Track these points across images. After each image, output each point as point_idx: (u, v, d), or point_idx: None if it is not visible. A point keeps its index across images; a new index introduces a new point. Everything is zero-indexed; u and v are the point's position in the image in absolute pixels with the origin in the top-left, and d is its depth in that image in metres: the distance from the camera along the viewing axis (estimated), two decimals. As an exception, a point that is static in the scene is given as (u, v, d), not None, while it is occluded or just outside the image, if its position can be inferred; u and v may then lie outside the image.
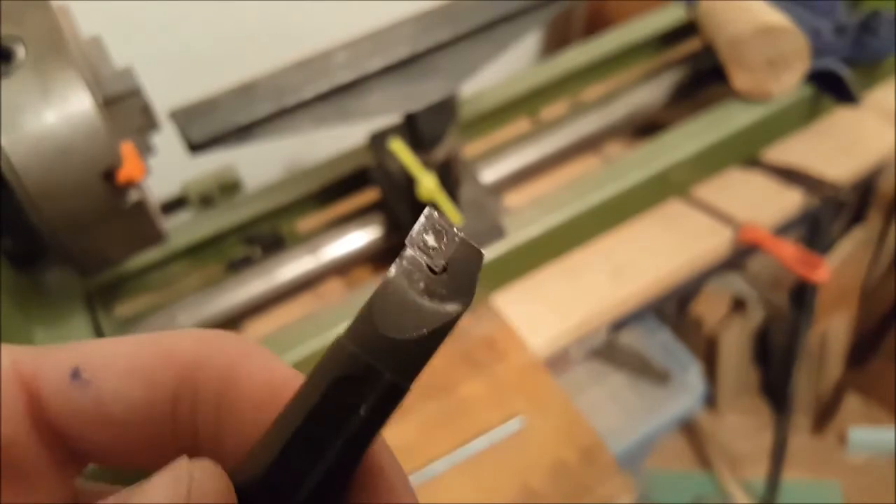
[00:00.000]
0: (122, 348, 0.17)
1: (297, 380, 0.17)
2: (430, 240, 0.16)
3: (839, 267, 1.37)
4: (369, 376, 0.15)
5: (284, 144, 1.00)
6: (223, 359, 0.17)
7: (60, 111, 0.49)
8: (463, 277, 0.16)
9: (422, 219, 0.16)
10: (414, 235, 0.16)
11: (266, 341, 0.72)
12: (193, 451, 0.16)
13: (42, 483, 0.17)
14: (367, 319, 0.16)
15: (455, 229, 0.16)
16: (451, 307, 0.16)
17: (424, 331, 0.16)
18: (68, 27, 0.53)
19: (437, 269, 0.16)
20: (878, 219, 1.36)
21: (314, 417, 0.15)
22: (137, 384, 0.16)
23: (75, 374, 0.16)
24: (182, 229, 0.81)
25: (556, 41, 1.39)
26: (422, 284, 0.16)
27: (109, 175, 0.50)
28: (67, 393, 0.16)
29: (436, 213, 0.16)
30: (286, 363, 0.18)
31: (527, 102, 0.92)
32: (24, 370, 0.16)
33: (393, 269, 0.16)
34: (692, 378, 1.22)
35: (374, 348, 0.15)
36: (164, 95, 0.66)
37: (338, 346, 0.16)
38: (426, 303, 0.16)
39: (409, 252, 0.16)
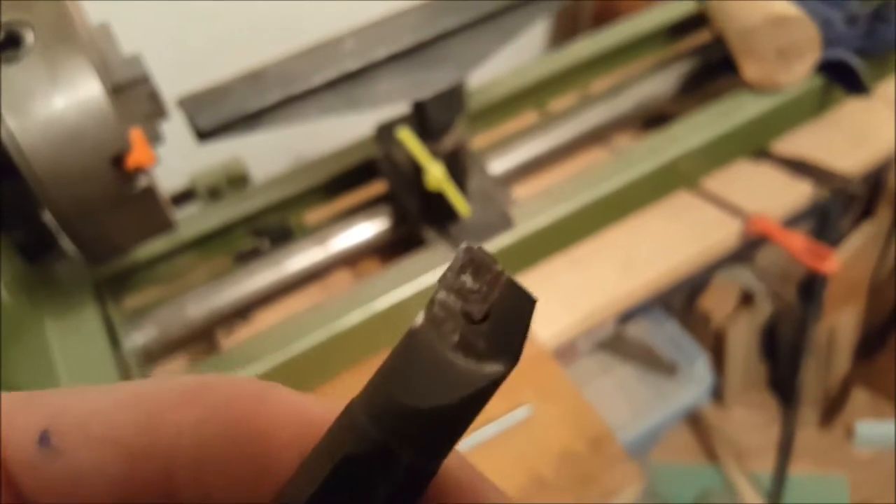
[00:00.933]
0: (98, 405, 0.14)
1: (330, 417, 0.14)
2: (469, 281, 0.13)
3: (848, 261, 1.37)
4: (384, 457, 0.13)
5: (292, 137, 1.00)
6: (243, 400, 0.14)
7: (69, 96, 0.49)
8: (508, 328, 0.13)
9: (458, 254, 0.13)
10: (448, 275, 0.13)
11: (273, 331, 0.72)
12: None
13: None
14: (383, 383, 0.13)
15: (499, 267, 0.13)
16: (492, 368, 0.13)
17: (457, 398, 0.13)
18: (77, 14, 0.53)
19: (476, 318, 0.13)
20: (887, 213, 1.36)
21: (322, 497, 0.13)
22: (116, 456, 0.14)
23: (43, 440, 0.14)
24: (190, 221, 0.81)
25: (565, 33, 1.38)
26: (456, 337, 0.13)
27: (118, 160, 0.50)
28: (36, 463, 0.14)
29: (475, 248, 0.13)
30: (313, 399, 0.15)
31: (535, 94, 0.92)
32: None
33: (421, 317, 0.13)
34: (699, 370, 1.22)
35: (390, 421, 0.13)
36: (172, 85, 0.66)
37: (349, 413, 0.13)
38: (460, 361, 0.13)
39: (441, 295, 0.13)
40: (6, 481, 0.14)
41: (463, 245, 0.13)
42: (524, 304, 0.13)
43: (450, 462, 0.14)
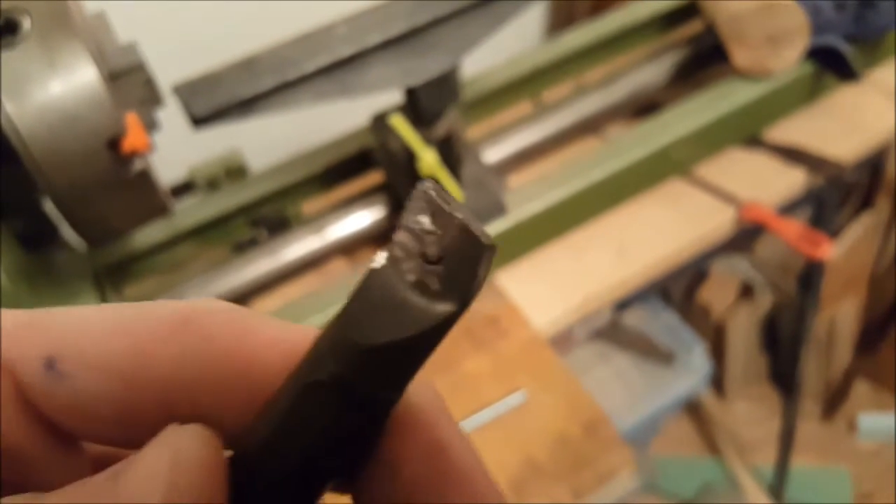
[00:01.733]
0: (95, 332, 0.15)
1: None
2: (426, 221, 0.13)
3: (848, 252, 1.37)
4: (342, 388, 0.13)
5: (290, 128, 1.01)
6: (228, 333, 0.15)
7: (66, 82, 0.50)
8: (461, 270, 0.13)
9: (416, 194, 0.14)
10: (407, 216, 0.13)
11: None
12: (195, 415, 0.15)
13: (45, 462, 0.15)
14: (344, 319, 0.14)
15: (455, 210, 0.13)
16: (443, 307, 0.13)
17: (409, 334, 0.13)
18: (73, 2, 0.54)
19: (431, 259, 0.13)
20: (886, 204, 1.36)
21: (290, 420, 0.14)
22: (118, 384, 0.15)
23: (49, 365, 0.15)
24: (189, 211, 0.83)
25: (562, 21, 1.39)
26: (412, 276, 0.13)
27: (114, 144, 0.51)
28: (44, 384, 0.15)
29: (432, 188, 0.14)
30: (293, 326, 0.16)
31: (529, 84, 0.93)
32: (2, 354, 0.15)
33: (379, 257, 0.14)
34: (696, 358, 1.23)
35: (347, 356, 0.13)
36: (170, 74, 0.67)
37: (315, 347, 0.14)
38: (415, 299, 0.13)
39: (400, 236, 0.13)
40: (22, 397, 0.15)
41: (421, 186, 0.14)
42: (477, 248, 0.13)
43: (419, 400, 0.15)
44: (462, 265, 0.13)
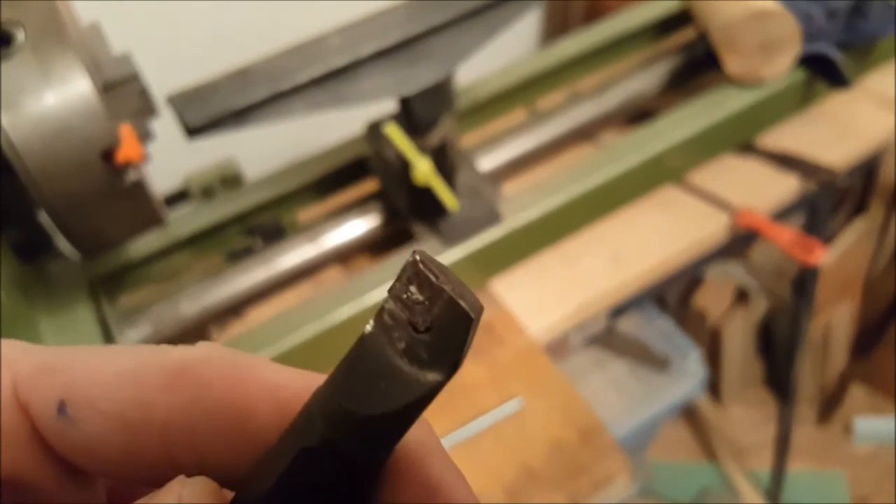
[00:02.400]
0: (101, 377, 0.16)
1: (305, 391, 0.16)
2: (415, 292, 0.14)
3: (842, 257, 1.38)
4: (335, 453, 0.14)
5: (285, 137, 1.01)
6: (223, 382, 0.16)
7: (60, 93, 0.50)
8: (448, 341, 0.14)
9: (406, 266, 0.14)
10: (397, 286, 0.14)
11: (266, 326, 0.73)
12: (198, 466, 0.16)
13: (60, 494, 0.16)
14: (337, 387, 0.14)
15: (444, 282, 0.14)
16: (433, 376, 0.14)
17: (401, 404, 0.14)
18: (67, 13, 0.55)
19: (420, 329, 0.14)
20: (879, 209, 1.37)
21: (285, 482, 0.15)
22: (122, 430, 0.16)
23: (61, 410, 0.16)
24: (184, 220, 0.83)
25: (556, 30, 1.40)
26: (403, 345, 0.14)
27: (108, 155, 0.51)
28: (56, 427, 0.16)
29: (422, 259, 0.14)
30: (289, 373, 0.17)
31: (523, 92, 0.93)
32: (19, 396, 0.16)
33: (371, 325, 0.14)
34: (692, 364, 1.23)
35: (340, 423, 0.14)
36: (164, 85, 0.67)
37: (307, 410, 0.15)
38: (406, 367, 0.14)
39: (390, 305, 0.14)
40: (37, 435, 0.16)
41: (410, 258, 0.14)
42: (462, 320, 0.14)
43: (412, 441, 0.16)
44: (450, 335, 0.14)
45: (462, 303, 0.14)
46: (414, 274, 0.14)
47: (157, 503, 0.15)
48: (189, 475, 0.16)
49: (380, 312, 0.14)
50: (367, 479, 0.15)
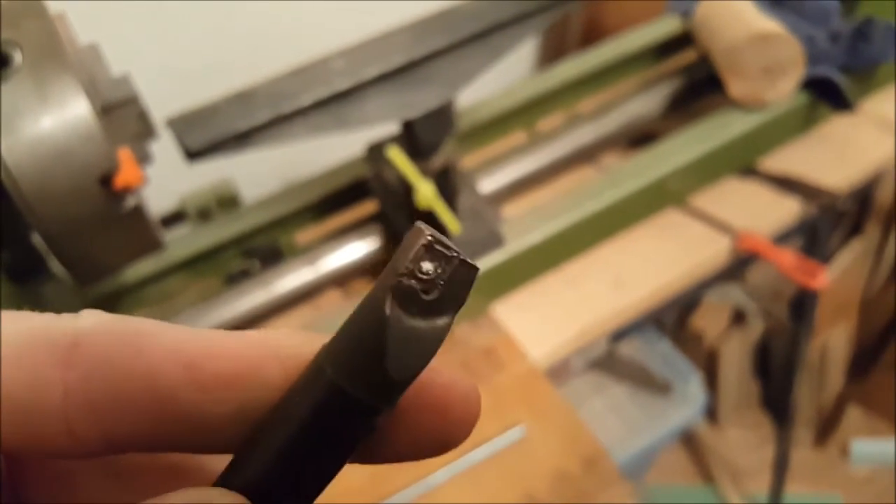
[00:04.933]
0: None
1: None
2: (427, 264, 0.15)
3: (838, 278, 1.37)
4: (360, 408, 0.15)
5: (282, 157, 1.00)
6: (122, 352, 0.15)
7: (57, 116, 0.49)
8: (457, 292, 0.15)
9: (418, 248, 0.15)
10: (408, 264, 0.15)
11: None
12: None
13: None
14: (360, 353, 0.15)
15: (452, 252, 0.15)
16: (442, 321, 0.15)
17: (426, 360, 0.15)
18: (65, 34, 0.53)
19: (431, 294, 0.15)
20: (876, 230, 1.37)
21: (297, 444, 0.15)
22: (11, 412, 0.15)
23: None
24: (180, 242, 0.81)
25: (553, 52, 1.40)
26: (415, 308, 0.15)
27: (106, 180, 0.50)
28: None
29: (431, 238, 0.15)
30: (187, 333, 0.16)
31: (523, 114, 0.93)
32: None
33: (388, 299, 0.15)
34: (693, 389, 1.22)
35: (370, 386, 0.15)
36: (162, 106, 0.66)
37: (323, 376, 0.15)
38: (421, 325, 0.15)
39: (404, 282, 0.15)
40: None
41: (420, 239, 0.15)
42: (471, 273, 0.15)
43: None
44: (458, 288, 0.15)
45: (470, 261, 0.15)
46: (426, 251, 0.15)
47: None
48: (94, 449, 0.15)
49: (395, 291, 0.15)
50: (382, 419, 0.16)
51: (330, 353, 0.15)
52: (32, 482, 0.17)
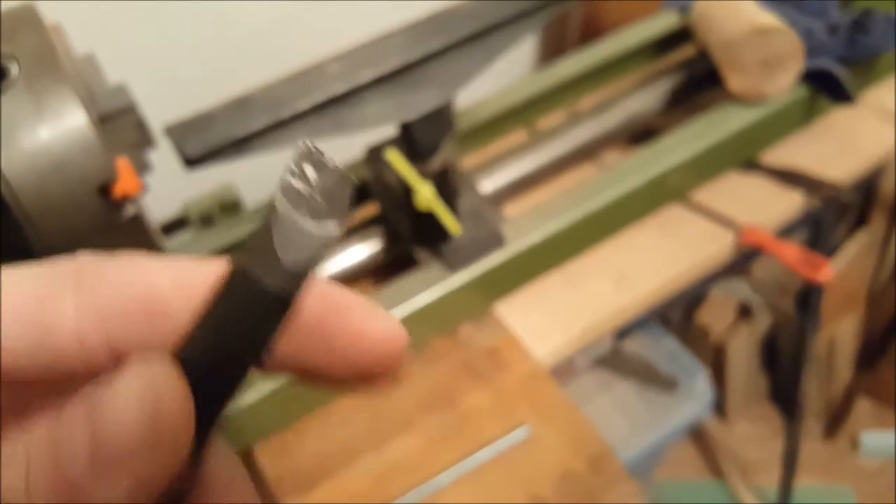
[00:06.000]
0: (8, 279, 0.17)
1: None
2: (310, 170, 0.17)
3: (844, 270, 1.37)
4: (264, 295, 0.17)
5: (283, 161, 1.00)
6: (127, 272, 0.17)
7: (55, 127, 0.49)
8: (339, 199, 0.17)
9: (302, 154, 0.17)
10: (295, 169, 0.17)
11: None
12: None
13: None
14: (265, 249, 0.17)
15: (328, 161, 0.17)
16: (332, 226, 0.17)
17: (320, 254, 0.17)
18: (62, 45, 0.54)
19: (316, 197, 0.17)
20: (881, 221, 1.36)
21: (210, 314, 0.17)
22: (31, 329, 0.17)
23: None
24: (183, 248, 0.81)
25: (552, 50, 1.39)
26: (305, 209, 0.17)
27: (105, 189, 0.50)
28: None
29: (313, 147, 0.17)
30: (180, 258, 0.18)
31: (523, 113, 0.93)
32: None
33: (280, 200, 0.17)
34: (700, 384, 1.21)
35: (268, 271, 0.17)
36: (162, 114, 0.66)
37: (242, 273, 0.17)
38: (312, 225, 0.17)
39: (293, 182, 0.17)
40: None
41: (303, 147, 0.17)
42: (347, 183, 0.17)
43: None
44: (339, 196, 0.17)
45: (345, 170, 0.17)
46: (308, 157, 0.17)
47: (127, 390, 0.15)
48: (100, 360, 0.17)
49: (285, 190, 0.17)
50: (282, 311, 0.17)
51: (240, 250, 0.17)
52: None
